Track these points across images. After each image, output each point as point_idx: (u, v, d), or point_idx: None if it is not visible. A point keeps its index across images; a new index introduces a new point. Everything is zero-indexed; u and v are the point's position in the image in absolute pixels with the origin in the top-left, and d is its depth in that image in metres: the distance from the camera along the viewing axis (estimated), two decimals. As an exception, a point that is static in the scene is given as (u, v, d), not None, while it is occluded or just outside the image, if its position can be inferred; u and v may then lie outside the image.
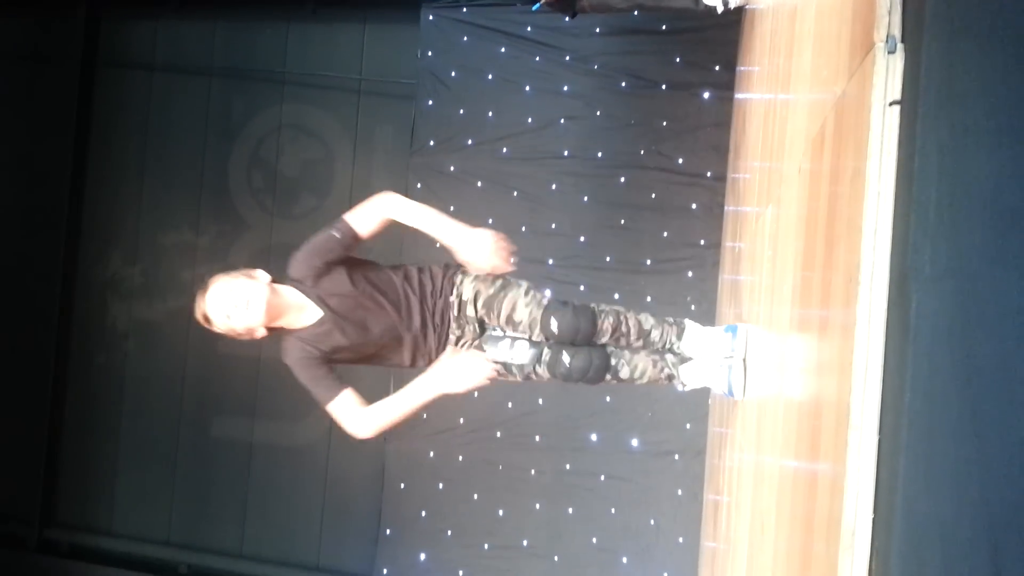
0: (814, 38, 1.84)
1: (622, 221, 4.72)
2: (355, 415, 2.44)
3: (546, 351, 2.57)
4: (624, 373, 2.64)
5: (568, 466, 4.61)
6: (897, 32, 1.19)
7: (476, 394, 4.73)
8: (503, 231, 4.80)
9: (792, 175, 1.98)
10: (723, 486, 3.35)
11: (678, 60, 4.59)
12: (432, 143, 4.93)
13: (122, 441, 5.59)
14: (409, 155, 4.98)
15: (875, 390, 1.13)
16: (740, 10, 3.86)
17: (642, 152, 4.64)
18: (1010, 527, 0.90)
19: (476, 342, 2.58)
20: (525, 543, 4.68)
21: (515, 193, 4.84)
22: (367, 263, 2.59)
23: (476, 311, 2.54)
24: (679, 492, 4.51)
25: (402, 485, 4.81)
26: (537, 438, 4.67)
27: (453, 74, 4.88)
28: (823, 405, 1.35)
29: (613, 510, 4.57)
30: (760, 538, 2.09)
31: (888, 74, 1.19)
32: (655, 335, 2.63)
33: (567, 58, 4.73)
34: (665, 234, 4.65)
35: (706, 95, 4.58)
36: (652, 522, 4.53)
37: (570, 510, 4.64)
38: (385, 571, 4.84)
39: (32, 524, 5.64)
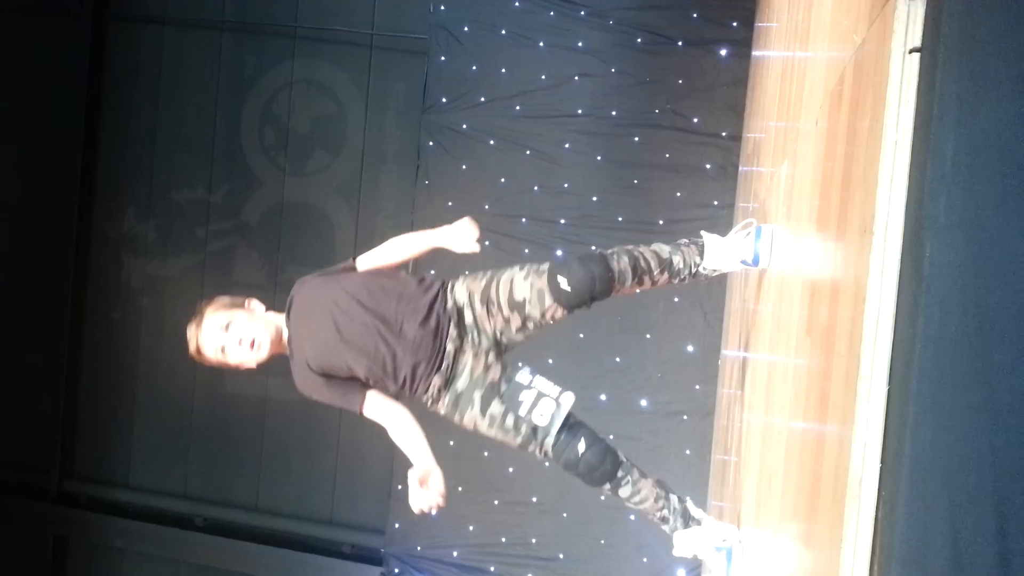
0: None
1: (635, 181, 4.69)
2: (391, 410, 2.39)
3: (556, 431, 2.33)
4: (624, 492, 2.45)
5: (577, 425, 4.63)
6: (919, -23, 1.16)
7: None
8: (515, 190, 4.84)
9: (809, 130, 1.96)
10: (731, 446, 3.37)
11: (695, 16, 4.52)
12: (444, 100, 4.89)
13: (139, 395, 5.66)
14: (421, 112, 4.94)
15: (886, 339, 1.13)
16: None
17: (657, 111, 4.59)
18: (1016, 476, 0.90)
19: (488, 357, 2.34)
20: (534, 499, 4.73)
21: (528, 152, 4.81)
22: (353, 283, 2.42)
23: (475, 314, 2.33)
24: (687, 452, 4.53)
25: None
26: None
27: (466, 29, 4.82)
28: (833, 357, 1.35)
29: (621, 470, 4.60)
30: (767, 493, 2.10)
31: (909, 20, 1.17)
32: (676, 261, 2.39)
33: (582, 13, 4.66)
34: (679, 194, 4.62)
35: (723, 52, 4.51)
36: (660, 482, 4.56)
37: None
38: (397, 525, 4.91)
39: (52, 476, 5.74)
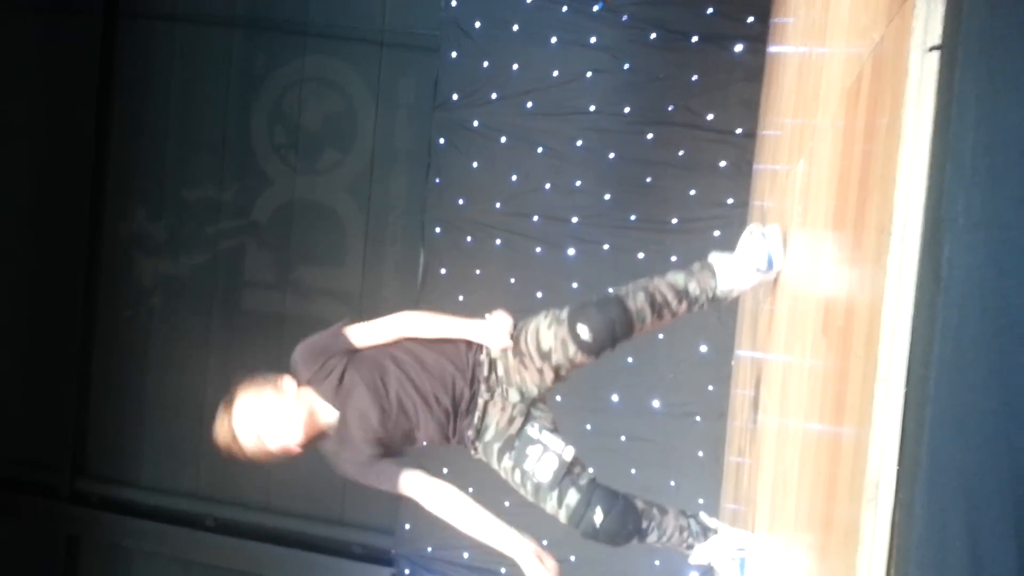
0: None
1: (648, 179, 4.66)
2: (434, 489, 2.36)
3: (572, 494, 2.36)
4: (651, 539, 2.45)
5: (589, 426, 4.61)
6: (938, -27, 1.14)
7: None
8: (527, 188, 4.84)
9: (826, 128, 1.94)
10: (745, 448, 3.35)
11: (710, 11, 4.48)
12: (455, 97, 4.88)
13: (150, 395, 5.68)
14: (432, 109, 4.93)
15: (903, 340, 1.11)
16: None
17: (670, 108, 4.55)
18: (1037, 479, 0.89)
19: (513, 410, 2.36)
20: None
21: (539, 149, 4.79)
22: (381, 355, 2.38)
23: (507, 365, 2.34)
24: (700, 454, 4.51)
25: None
26: (558, 398, 4.65)
27: (477, 25, 4.80)
28: (850, 358, 1.34)
29: (633, 471, 4.58)
30: (782, 496, 2.08)
31: (928, 18, 1.15)
32: (693, 288, 2.42)
33: (595, 8, 4.63)
34: (692, 192, 4.59)
35: (738, 48, 4.48)
36: (672, 483, 4.54)
37: (590, 470, 4.65)
38: (407, 526, 4.90)
39: (64, 474, 5.77)
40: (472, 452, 2.48)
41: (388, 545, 5.08)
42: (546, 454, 2.37)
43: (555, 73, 4.72)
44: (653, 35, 4.58)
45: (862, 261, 1.33)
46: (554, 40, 4.72)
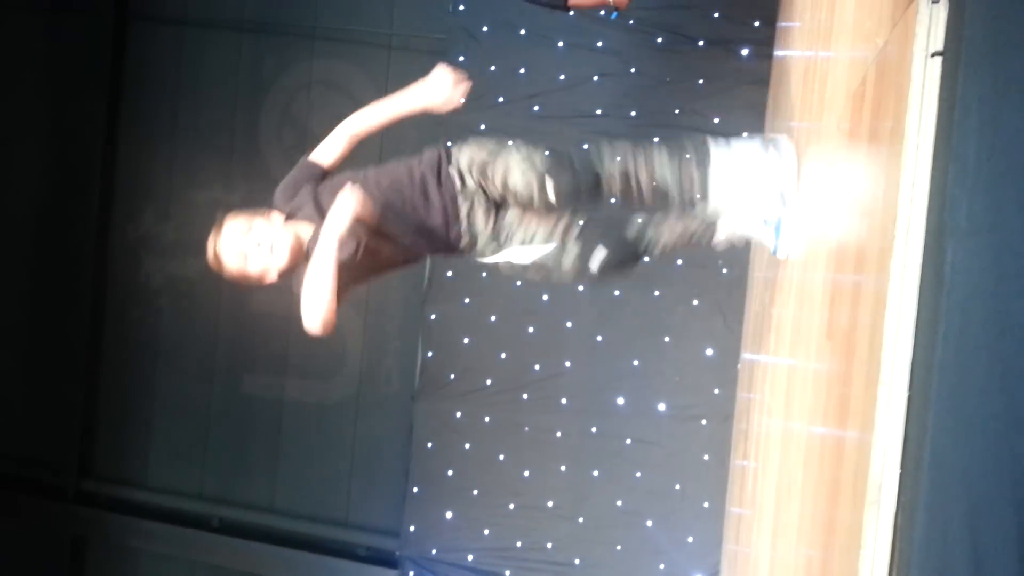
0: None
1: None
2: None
3: (573, 245, 2.39)
4: (658, 252, 2.49)
5: (594, 429, 4.62)
6: (941, -20, 1.15)
7: (503, 355, 4.79)
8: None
9: (831, 130, 1.95)
10: (750, 451, 3.35)
11: (717, 15, 4.48)
12: (462, 100, 4.88)
13: (156, 396, 5.70)
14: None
15: (906, 345, 1.12)
16: None
17: (677, 111, 4.56)
18: (1038, 483, 0.90)
19: (490, 211, 2.42)
20: (550, 504, 4.72)
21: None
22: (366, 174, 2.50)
23: (474, 180, 2.41)
24: (706, 457, 4.51)
25: (429, 444, 4.87)
26: (563, 400, 4.68)
27: (485, 29, 4.82)
28: (853, 362, 1.34)
29: (639, 474, 4.59)
30: (787, 500, 2.09)
31: (931, 24, 1.16)
32: (672, 185, 2.34)
33: (602, 12, 4.64)
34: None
35: (744, 52, 4.48)
36: (678, 487, 4.54)
37: (595, 473, 4.66)
38: (412, 528, 4.91)
39: (70, 475, 5.79)
40: (468, 254, 2.54)
41: (393, 547, 5.09)
42: (537, 235, 2.42)
43: (562, 76, 4.73)
44: (660, 39, 4.58)
45: (866, 264, 1.34)
46: (561, 44, 4.73)
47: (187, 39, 5.58)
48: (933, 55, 1.16)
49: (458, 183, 2.42)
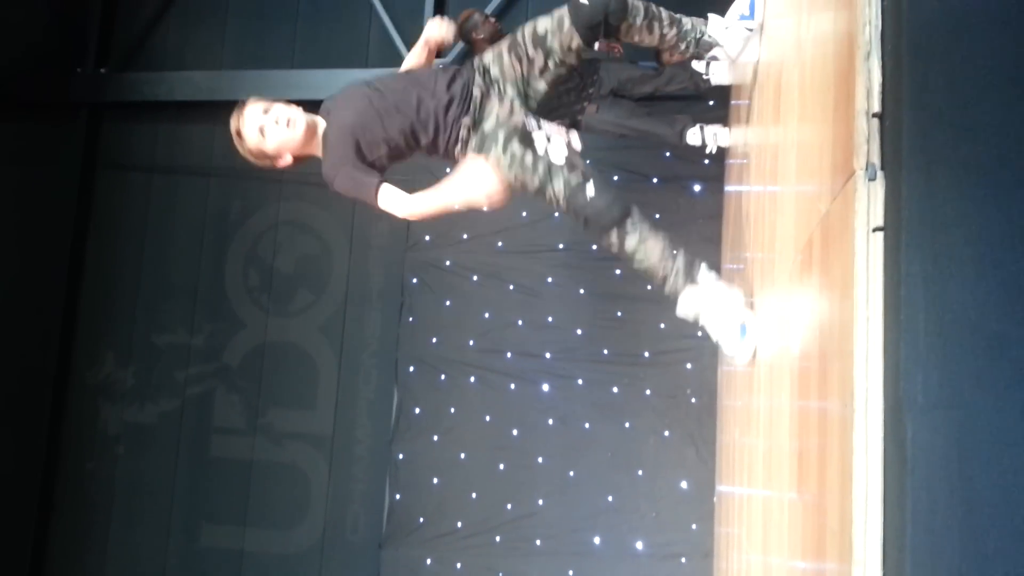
0: (798, 157, 1.86)
1: (619, 313, 4.71)
2: (403, 197, 2.58)
3: (576, 175, 2.53)
4: (630, 242, 2.62)
5: (571, 572, 4.46)
6: (876, 160, 1.20)
7: (474, 494, 4.66)
8: (499, 324, 4.85)
9: (785, 266, 1.98)
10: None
11: (667, 154, 4.66)
12: (427, 238, 4.96)
13: (111, 548, 5.44)
14: (404, 250, 5.00)
15: (876, 523, 1.10)
16: (722, 151, 3.98)
17: (636, 245, 4.66)
18: None
19: (513, 104, 2.55)
20: (538, 543, 4.51)
21: (511, 287, 4.85)
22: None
23: (502, 66, 2.54)
24: (687, 596, 4.37)
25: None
26: (538, 542, 4.55)
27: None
28: (826, 535, 1.32)
29: (622, 625, 4.42)
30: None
31: (870, 200, 1.20)
32: (686, 21, 2.61)
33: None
34: (663, 325, 4.63)
35: (696, 188, 4.64)
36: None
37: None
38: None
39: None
40: (460, 148, 2.61)
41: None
42: (555, 139, 2.55)
43: (524, 213, 4.84)
44: (616, 176, 4.74)
45: (829, 432, 1.33)
46: (521, 183, 4.85)
47: (155, 185, 5.65)
48: (874, 230, 1.19)
49: (479, 74, 2.58)
